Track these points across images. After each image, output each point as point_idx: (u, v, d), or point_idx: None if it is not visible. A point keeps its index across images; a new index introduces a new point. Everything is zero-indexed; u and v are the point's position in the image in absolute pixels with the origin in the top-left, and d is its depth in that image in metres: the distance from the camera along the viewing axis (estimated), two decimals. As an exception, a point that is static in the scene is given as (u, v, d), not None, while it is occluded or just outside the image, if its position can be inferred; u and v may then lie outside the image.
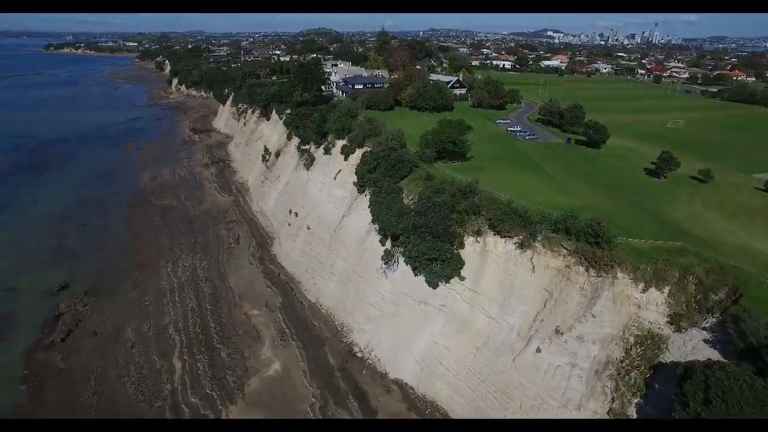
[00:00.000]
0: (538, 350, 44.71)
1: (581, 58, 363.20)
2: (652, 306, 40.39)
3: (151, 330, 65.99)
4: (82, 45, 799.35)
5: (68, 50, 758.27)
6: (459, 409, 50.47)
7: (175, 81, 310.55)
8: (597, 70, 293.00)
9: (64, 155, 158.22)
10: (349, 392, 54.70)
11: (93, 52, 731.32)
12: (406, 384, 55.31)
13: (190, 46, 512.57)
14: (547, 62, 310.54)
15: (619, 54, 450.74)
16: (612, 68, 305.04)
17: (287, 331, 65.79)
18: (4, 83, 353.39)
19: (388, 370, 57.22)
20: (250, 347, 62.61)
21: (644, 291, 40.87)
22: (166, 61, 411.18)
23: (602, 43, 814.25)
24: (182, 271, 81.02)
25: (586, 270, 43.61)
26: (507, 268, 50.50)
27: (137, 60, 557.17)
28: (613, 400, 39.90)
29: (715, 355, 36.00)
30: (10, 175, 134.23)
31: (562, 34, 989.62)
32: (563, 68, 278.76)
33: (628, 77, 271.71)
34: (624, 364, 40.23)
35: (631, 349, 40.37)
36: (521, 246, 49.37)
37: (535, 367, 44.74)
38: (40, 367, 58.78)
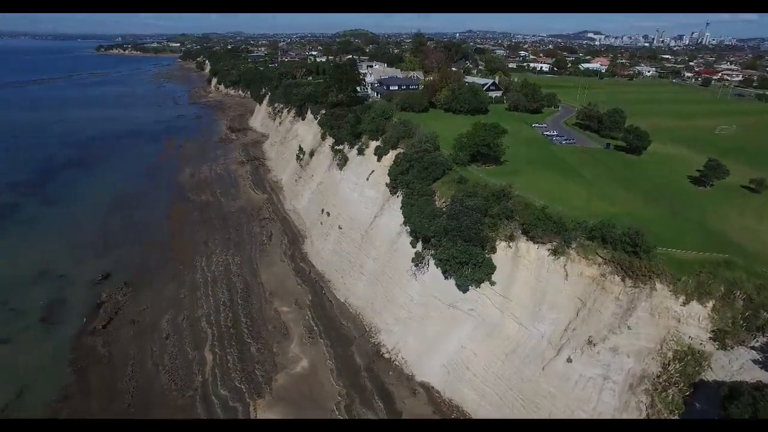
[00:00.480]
0: (569, 360, 43.67)
1: (623, 61, 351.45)
2: (694, 320, 38.72)
3: (185, 322, 68.21)
4: (130, 46, 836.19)
5: (117, 51, 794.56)
6: (485, 416, 49.86)
7: (214, 80, 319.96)
8: (639, 73, 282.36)
9: (112, 150, 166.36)
10: (375, 393, 54.95)
11: (139, 52, 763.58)
12: (433, 387, 55.09)
13: (229, 47, 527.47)
14: (586, 65, 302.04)
15: (665, 56, 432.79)
16: (656, 71, 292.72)
17: (316, 329, 66.68)
18: (61, 83, 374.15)
19: (415, 373, 57.15)
20: (279, 343, 63.80)
21: (685, 304, 39.22)
22: (206, 61, 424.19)
23: (646, 44, 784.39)
24: (216, 266, 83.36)
25: (623, 280, 42.26)
26: (539, 274, 49.54)
27: (179, 60, 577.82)
28: (648, 416, 38.52)
29: (765, 377, 34.20)
30: (64, 169, 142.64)
31: (603, 36, 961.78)
32: (603, 71, 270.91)
33: (674, 80, 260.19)
34: (661, 380, 38.72)
35: (669, 365, 38.82)
36: (554, 252, 48.32)
37: (565, 377, 43.72)
38: (85, 352, 61.89)
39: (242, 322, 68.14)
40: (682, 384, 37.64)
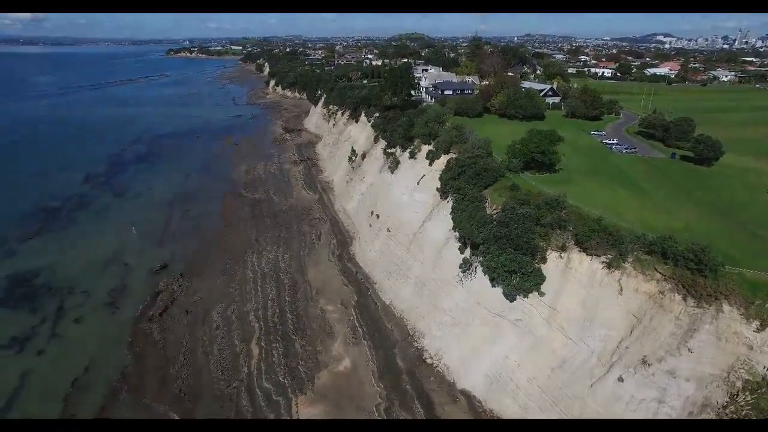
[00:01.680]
0: (620, 379, 41.56)
1: (695, 65, 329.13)
2: (768, 349, 35.66)
3: (234, 314, 70.92)
4: (196, 49, 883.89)
5: (184, 54, 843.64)
6: None
7: (272, 82, 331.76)
8: (715, 78, 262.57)
9: (175, 147, 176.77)
10: (415, 397, 54.75)
11: (204, 55, 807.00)
12: (474, 396, 54.18)
13: (288, 50, 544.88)
14: (653, 70, 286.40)
15: (748, 59, 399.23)
16: (735, 75, 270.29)
17: (360, 329, 67.35)
18: (135, 85, 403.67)
19: (456, 380, 56.45)
20: (323, 341, 64.95)
21: (759, 330, 36.10)
22: (266, 64, 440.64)
23: (725, 46, 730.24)
24: (266, 263, 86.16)
25: (684, 299, 39.65)
26: (591, 287, 47.53)
27: (240, 62, 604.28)
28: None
29: None
30: (132, 163, 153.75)
31: (673, 39, 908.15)
32: (672, 76, 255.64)
33: (758, 85, 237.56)
34: (728, 411, 35.86)
35: (737, 395, 35.90)
36: (609, 266, 46.22)
37: (615, 396, 41.65)
38: (143, 336, 65.92)
39: (288, 318, 69.99)
40: (753, 418, 34.75)
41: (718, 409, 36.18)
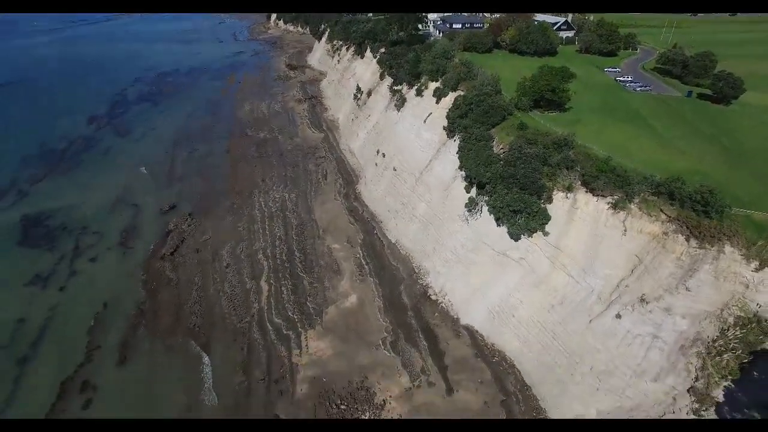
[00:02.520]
0: (618, 316, 42.99)
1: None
2: (765, 288, 36.43)
3: (243, 253, 72.79)
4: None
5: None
6: (526, 363, 50.95)
7: (273, 16, 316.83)
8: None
9: (177, 86, 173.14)
10: (419, 332, 57.23)
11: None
12: (476, 331, 56.50)
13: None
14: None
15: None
16: None
17: (366, 267, 69.14)
18: (132, 18, 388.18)
19: (460, 316, 58.63)
20: (330, 279, 66.99)
21: (758, 270, 36.75)
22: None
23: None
24: (273, 202, 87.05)
25: (687, 239, 39.99)
26: (596, 228, 47.90)
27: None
28: (696, 378, 37.78)
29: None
30: (134, 104, 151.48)
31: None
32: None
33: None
34: (716, 345, 37.46)
35: (728, 330, 37.29)
36: (615, 206, 46.31)
37: (611, 332, 43.30)
38: (156, 274, 68.36)
39: (296, 256, 71.79)
40: (740, 351, 36.24)
41: (709, 343, 37.71)
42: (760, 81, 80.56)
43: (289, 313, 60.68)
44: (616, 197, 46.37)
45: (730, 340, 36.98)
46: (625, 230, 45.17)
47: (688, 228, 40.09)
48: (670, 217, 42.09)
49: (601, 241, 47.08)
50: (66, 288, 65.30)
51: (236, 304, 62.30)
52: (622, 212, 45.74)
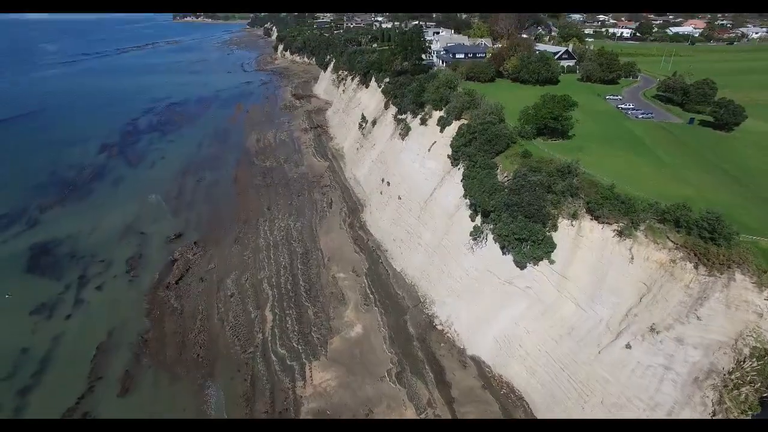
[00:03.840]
0: (628, 346, 42.15)
1: (723, 22, 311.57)
2: (779, 318, 35.66)
3: (248, 282, 72.62)
4: (202, 14, 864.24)
5: (190, 19, 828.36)
6: (534, 395, 49.77)
7: (280, 47, 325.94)
8: (743, 35, 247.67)
9: (186, 115, 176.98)
10: (425, 362, 56.24)
11: (210, 20, 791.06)
12: (483, 362, 55.50)
13: (296, 13, 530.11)
14: (676, 29, 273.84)
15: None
16: (767, 32, 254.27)
17: (371, 296, 68.66)
18: (143, 51, 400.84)
19: (466, 346, 57.73)
20: (335, 308, 66.46)
21: (769, 299, 36.14)
22: (273, 28, 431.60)
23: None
24: (278, 231, 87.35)
25: (695, 267, 39.54)
26: (602, 255, 47.58)
27: (248, 27, 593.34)
28: (714, 413, 36.49)
29: None
30: (144, 133, 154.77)
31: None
32: (696, 35, 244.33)
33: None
34: (733, 377, 36.26)
35: (744, 362, 36.15)
36: (620, 234, 46.06)
37: (622, 363, 42.37)
38: (160, 303, 68.10)
39: (301, 285, 71.50)
40: (759, 384, 35.06)
41: (724, 375, 36.64)
42: (760, 109, 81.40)
43: (294, 344, 60.00)
44: (621, 224, 46.16)
45: (747, 372, 35.79)
46: (632, 258, 44.81)
47: (696, 255, 39.68)
48: (677, 244, 41.78)
49: (607, 269, 46.67)
50: (71, 317, 65.12)
51: (240, 334, 61.76)
52: (628, 240, 45.46)
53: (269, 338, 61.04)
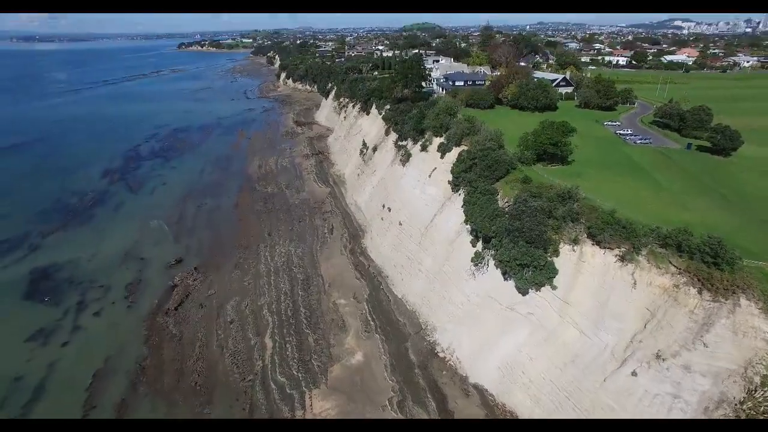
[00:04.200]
0: (634, 374, 41.38)
1: (715, 51, 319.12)
2: (788, 344, 35.01)
3: (248, 308, 71.96)
4: (207, 43, 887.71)
5: (196, 48, 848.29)
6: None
7: (283, 75, 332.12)
8: (735, 64, 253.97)
9: (189, 142, 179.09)
10: (427, 391, 55.12)
11: (215, 49, 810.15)
12: (486, 390, 54.40)
13: (298, 42, 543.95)
14: (670, 57, 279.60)
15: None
16: (757, 61, 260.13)
17: (372, 323, 67.87)
18: (148, 79, 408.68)
19: (469, 374, 56.70)
20: (336, 335, 65.62)
21: (777, 325, 35.59)
22: (276, 56, 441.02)
23: (748, 30, 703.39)
24: (279, 257, 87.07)
25: (699, 292, 39.19)
26: (604, 281, 47.26)
27: (251, 55, 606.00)
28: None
29: None
30: (147, 159, 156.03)
31: (692, 24, 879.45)
32: (690, 63, 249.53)
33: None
34: (745, 407, 35.31)
35: (755, 391, 35.28)
36: (622, 259, 45.86)
37: (628, 391, 41.51)
38: (159, 330, 67.27)
39: (301, 312, 70.80)
40: (772, 414, 34.22)
41: (735, 404, 35.73)
42: (755, 134, 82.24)
43: (293, 371, 58.97)
44: (623, 249, 46.02)
45: (759, 402, 34.79)
46: (635, 283, 44.48)
47: (699, 280, 39.38)
48: (679, 269, 41.52)
49: (610, 295, 46.26)
50: (68, 343, 64.24)
51: (239, 362, 60.79)
52: (630, 264, 45.23)
53: (269, 366, 60.03)
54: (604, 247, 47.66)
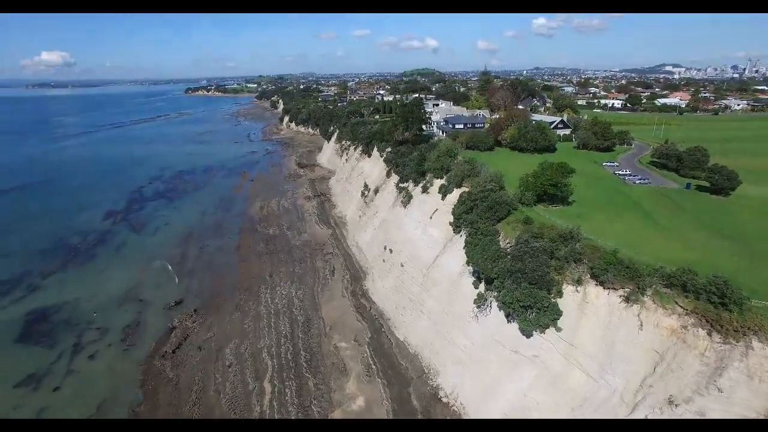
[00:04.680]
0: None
1: (706, 95, 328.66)
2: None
3: (247, 352, 70.49)
4: (212, 87, 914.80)
5: (202, 92, 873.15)
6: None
7: (286, 118, 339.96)
8: (727, 107, 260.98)
9: (193, 183, 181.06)
10: (431, 438, 53.01)
11: (220, 93, 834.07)
12: (493, 437, 52.25)
13: (301, 87, 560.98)
14: (663, 100, 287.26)
15: (760, 87, 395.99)
16: (747, 104, 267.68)
17: (374, 367, 66.24)
18: (155, 123, 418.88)
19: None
20: (337, 379, 63.93)
21: (794, 370, 34.53)
22: (280, 101, 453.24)
23: (735, 76, 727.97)
24: (279, 299, 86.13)
25: (709, 334, 38.34)
26: (609, 322, 46.41)
27: (255, 99, 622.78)
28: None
29: None
30: (150, 200, 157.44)
31: (682, 69, 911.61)
32: (683, 106, 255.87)
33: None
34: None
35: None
36: (627, 299, 45.24)
37: (642, 438, 39.81)
38: (155, 374, 65.69)
39: (302, 355, 69.28)
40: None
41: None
42: (752, 175, 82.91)
43: (293, 418, 57.00)
44: (627, 290, 45.50)
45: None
46: (641, 324, 43.67)
47: (707, 322, 38.65)
48: (686, 310, 40.87)
49: (616, 336, 45.33)
50: (60, 389, 62.51)
51: (237, 407, 58.90)
52: (635, 305, 44.58)
53: (267, 412, 58.16)
54: (608, 288, 47.17)
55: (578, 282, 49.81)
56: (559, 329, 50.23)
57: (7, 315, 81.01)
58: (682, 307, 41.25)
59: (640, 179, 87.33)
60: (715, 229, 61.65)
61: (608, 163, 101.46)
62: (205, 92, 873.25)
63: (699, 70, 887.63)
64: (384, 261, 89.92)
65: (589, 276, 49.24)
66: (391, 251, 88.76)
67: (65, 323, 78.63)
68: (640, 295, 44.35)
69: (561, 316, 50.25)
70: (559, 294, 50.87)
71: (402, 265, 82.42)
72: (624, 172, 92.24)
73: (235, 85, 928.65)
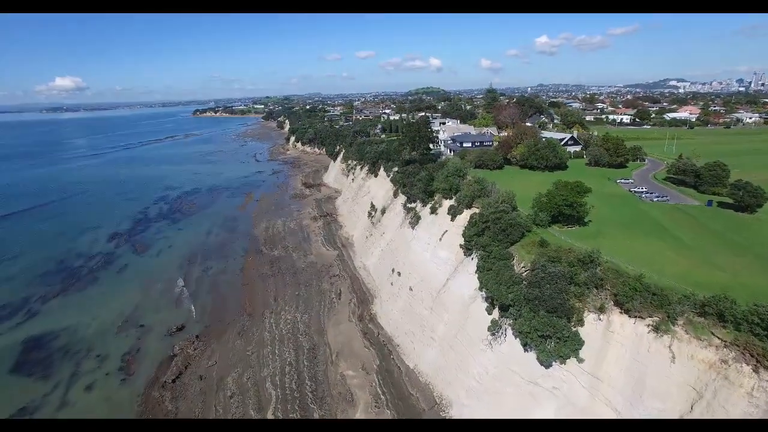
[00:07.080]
0: (685, 466, 36.03)
1: (716, 108, 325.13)
2: None
3: (250, 381, 67.22)
4: (220, 108, 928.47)
5: (210, 114, 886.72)
6: None
7: (292, 138, 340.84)
8: (739, 120, 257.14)
9: (198, 204, 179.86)
10: (445, 478, 49.18)
11: (228, 114, 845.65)
12: (511, 478, 48.30)
13: (307, 107, 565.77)
14: (672, 114, 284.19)
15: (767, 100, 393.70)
16: (760, 117, 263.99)
17: (382, 397, 62.62)
18: (163, 144, 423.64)
19: (491, 458, 50.77)
20: (344, 410, 60.41)
21: None
22: (286, 121, 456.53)
23: (741, 89, 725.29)
24: (284, 323, 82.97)
25: (755, 370, 34.61)
26: (638, 353, 42.86)
27: (262, 120, 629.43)
28: None
29: None
30: (155, 222, 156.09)
31: (687, 83, 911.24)
32: (693, 120, 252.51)
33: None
34: None
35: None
36: (656, 329, 41.76)
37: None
38: (153, 405, 62.52)
39: (307, 385, 65.85)
40: None
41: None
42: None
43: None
44: (656, 318, 42.07)
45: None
46: (673, 357, 40.10)
47: (753, 356, 35.00)
48: (725, 341, 37.33)
49: (646, 370, 41.73)
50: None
51: (237, 443, 55.40)
52: (665, 336, 41.09)
53: (269, 448, 54.52)
54: (634, 316, 43.78)
55: (601, 310, 46.43)
56: (581, 360, 46.74)
57: (2, 342, 78.58)
58: (719, 338, 37.72)
59: (658, 196, 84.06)
60: (745, 248, 58.10)
61: (622, 180, 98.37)
62: (213, 113, 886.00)
63: (704, 84, 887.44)
64: (392, 284, 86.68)
65: (612, 303, 45.91)
66: (399, 274, 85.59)
67: (63, 350, 75.99)
68: (670, 324, 40.92)
69: (582, 346, 46.80)
70: (580, 322, 47.46)
71: (411, 289, 79.14)
72: (640, 189, 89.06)
73: (242, 107, 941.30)
